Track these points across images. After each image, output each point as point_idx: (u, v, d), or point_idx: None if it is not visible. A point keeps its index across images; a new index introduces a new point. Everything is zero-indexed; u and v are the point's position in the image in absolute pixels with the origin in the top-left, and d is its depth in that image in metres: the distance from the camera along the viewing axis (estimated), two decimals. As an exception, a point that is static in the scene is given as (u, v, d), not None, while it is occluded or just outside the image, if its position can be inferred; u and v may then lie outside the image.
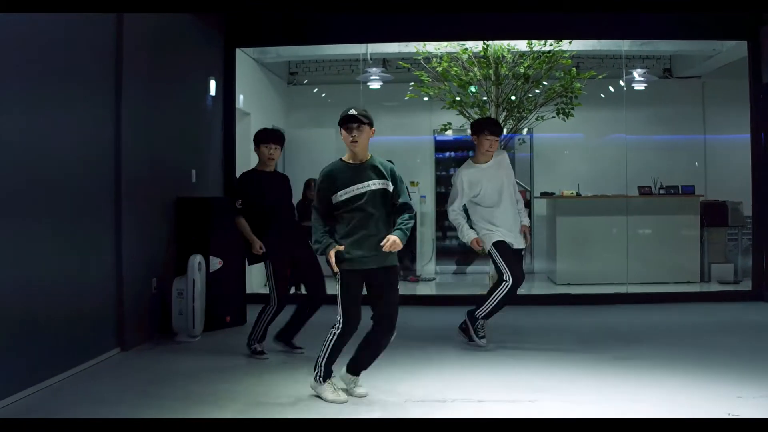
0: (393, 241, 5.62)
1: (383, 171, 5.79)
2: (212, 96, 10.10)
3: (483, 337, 7.71)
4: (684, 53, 13.31)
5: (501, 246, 7.66)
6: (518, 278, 7.57)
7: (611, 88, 13.42)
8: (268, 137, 7.72)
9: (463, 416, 5.41)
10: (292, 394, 6.03)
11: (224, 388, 6.25)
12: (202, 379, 6.60)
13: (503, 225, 7.73)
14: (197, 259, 8.22)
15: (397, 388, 6.15)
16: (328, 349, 5.78)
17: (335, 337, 5.75)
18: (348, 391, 5.93)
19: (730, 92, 12.86)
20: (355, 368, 5.99)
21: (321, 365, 5.81)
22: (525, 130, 13.18)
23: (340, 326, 5.73)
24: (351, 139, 5.72)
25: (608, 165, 13.28)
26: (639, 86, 13.55)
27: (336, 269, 5.68)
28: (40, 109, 6.19)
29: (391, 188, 5.78)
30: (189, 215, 8.84)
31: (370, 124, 5.79)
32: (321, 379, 5.83)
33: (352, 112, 5.72)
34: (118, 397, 6.00)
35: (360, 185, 5.71)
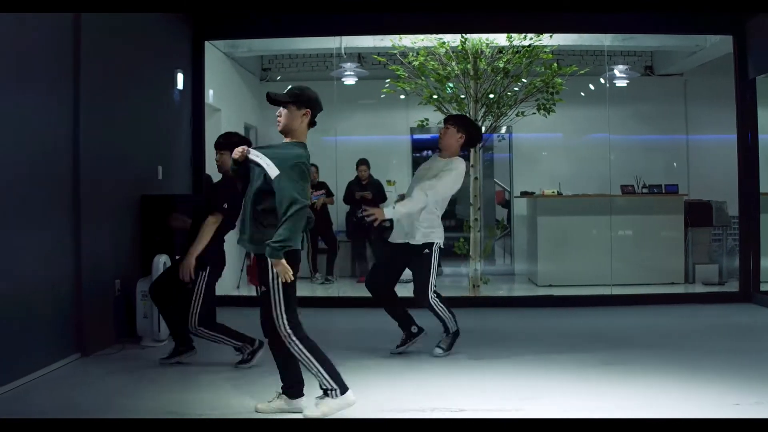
0: None
1: None
2: (179, 90, 9.66)
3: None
4: (666, 49, 13.01)
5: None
6: None
7: (591, 86, 13.14)
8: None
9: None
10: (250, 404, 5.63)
11: (186, 398, 5.85)
12: (164, 386, 6.18)
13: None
14: (162, 259, 7.78)
15: (372, 398, 5.74)
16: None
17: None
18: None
19: (713, 90, 12.69)
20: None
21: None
22: (504, 128, 12.88)
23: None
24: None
25: (589, 164, 13.07)
26: (621, 83, 13.27)
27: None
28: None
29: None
30: (154, 214, 8.40)
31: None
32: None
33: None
34: (70, 404, 5.60)
35: None
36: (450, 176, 7.15)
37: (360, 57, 13.19)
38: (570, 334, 8.42)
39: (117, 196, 7.98)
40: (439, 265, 7.25)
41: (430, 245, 7.11)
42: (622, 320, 9.29)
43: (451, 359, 7.11)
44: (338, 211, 13.02)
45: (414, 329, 7.32)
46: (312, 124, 5.29)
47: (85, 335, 7.17)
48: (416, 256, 7.14)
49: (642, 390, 5.93)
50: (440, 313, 7.17)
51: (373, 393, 5.87)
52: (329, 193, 12.71)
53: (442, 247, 7.26)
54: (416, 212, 7.06)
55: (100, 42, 7.52)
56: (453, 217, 13.46)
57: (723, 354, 7.20)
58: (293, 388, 5.40)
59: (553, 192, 12.14)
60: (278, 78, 14.04)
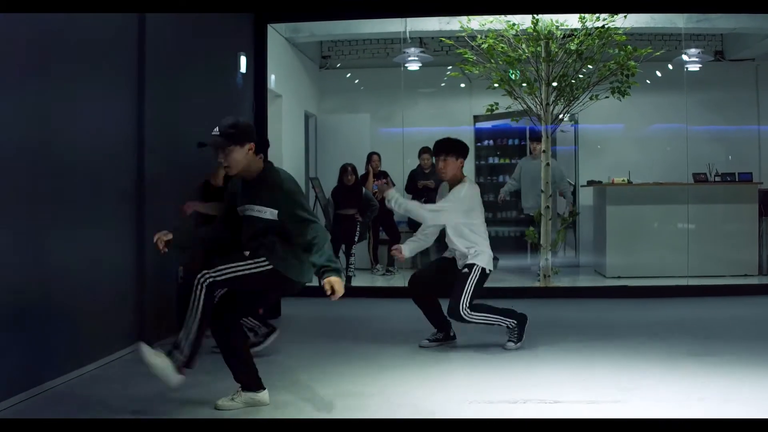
0: None
1: None
2: (242, 74, 9.43)
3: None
4: (741, 31, 12.51)
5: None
6: None
7: (658, 73, 12.70)
8: None
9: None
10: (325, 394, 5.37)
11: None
12: (217, 377, 5.72)
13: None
14: (226, 245, 7.54)
15: (458, 388, 5.48)
16: None
17: None
18: None
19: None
20: None
21: None
22: (566, 117, 12.47)
23: None
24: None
25: (657, 153, 12.71)
26: (693, 67, 12.75)
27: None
28: (56, 95, 5.67)
29: None
30: (217, 199, 8.13)
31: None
32: None
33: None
34: (124, 400, 5.33)
35: None
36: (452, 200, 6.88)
37: (422, 42, 12.90)
38: (649, 324, 8.08)
39: (180, 180, 7.75)
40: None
41: (470, 266, 6.76)
42: (698, 311, 8.97)
43: (537, 348, 6.80)
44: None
45: (452, 333, 7.08)
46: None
47: (147, 324, 6.97)
48: (458, 272, 6.82)
49: (742, 381, 5.60)
50: (482, 322, 6.76)
51: (458, 383, 5.62)
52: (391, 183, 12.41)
53: (488, 272, 6.86)
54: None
55: (164, 25, 7.31)
56: (516, 207, 13.17)
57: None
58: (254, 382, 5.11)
59: (623, 180, 11.74)
60: (338, 65, 13.84)
